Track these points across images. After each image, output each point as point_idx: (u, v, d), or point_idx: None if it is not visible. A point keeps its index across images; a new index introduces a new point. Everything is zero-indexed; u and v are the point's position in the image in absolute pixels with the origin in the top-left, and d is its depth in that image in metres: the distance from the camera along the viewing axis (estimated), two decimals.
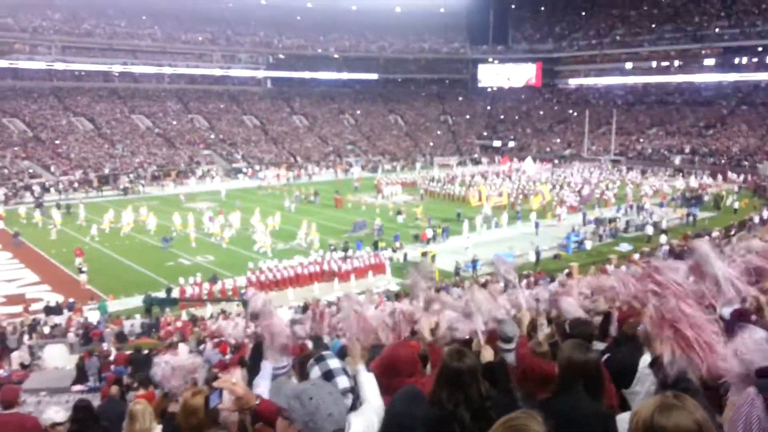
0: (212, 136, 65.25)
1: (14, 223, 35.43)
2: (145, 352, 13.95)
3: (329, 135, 71.99)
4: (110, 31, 68.03)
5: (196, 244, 30.78)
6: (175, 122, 65.87)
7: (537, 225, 33.00)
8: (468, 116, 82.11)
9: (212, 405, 2.48)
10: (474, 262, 26.02)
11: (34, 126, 56.85)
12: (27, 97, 60.55)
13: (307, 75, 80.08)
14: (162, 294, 22.20)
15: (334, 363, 2.97)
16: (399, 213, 36.20)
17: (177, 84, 71.80)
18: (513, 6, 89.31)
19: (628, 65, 75.99)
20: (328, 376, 2.88)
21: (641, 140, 64.45)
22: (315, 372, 2.94)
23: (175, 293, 22.93)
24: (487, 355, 3.56)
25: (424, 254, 27.19)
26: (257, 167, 59.85)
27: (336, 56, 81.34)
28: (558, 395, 2.88)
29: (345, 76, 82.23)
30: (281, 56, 79.27)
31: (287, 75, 79.20)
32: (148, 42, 69.75)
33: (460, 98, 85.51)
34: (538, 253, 27.27)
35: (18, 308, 21.12)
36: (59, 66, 64.78)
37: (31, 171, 50.15)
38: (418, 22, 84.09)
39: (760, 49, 63.46)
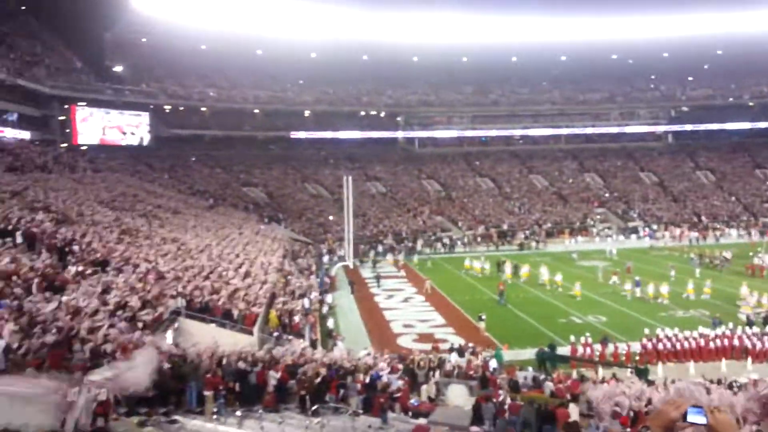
0: (606, 194, 64.39)
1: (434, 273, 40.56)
2: (536, 405, 14.12)
3: (741, 192, 63.80)
4: (514, 99, 73.56)
5: (584, 302, 30.52)
6: (570, 181, 67.18)
7: None
8: None
9: (689, 419, 2.45)
10: None
11: (447, 186, 64.74)
12: (442, 162, 69.45)
13: (714, 127, 72.82)
14: (546, 349, 22.33)
15: None
16: None
17: (573, 144, 73.39)
18: None
19: None
20: None
21: None
22: None
23: (566, 351, 22.85)
24: None
25: None
26: (654, 226, 56.58)
27: (751, 104, 72.23)
28: None
29: (763, 125, 72.14)
30: (684, 109, 74.18)
31: (691, 128, 73.37)
32: (547, 106, 73.20)
33: None
34: None
35: (427, 346, 23.77)
36: (468, 133, 72.89)
37: (442, 225, 57.00)
38: None
39: None
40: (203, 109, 65.00)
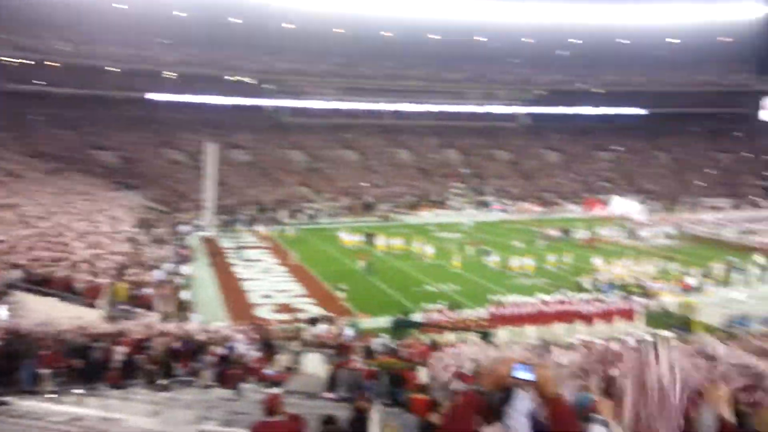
0: (465, 171, 67.43)
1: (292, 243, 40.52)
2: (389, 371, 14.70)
3: (583, 171, 69.55)
4: (382, 74, 74.34)
5: (440, 271, 32.08)
6: (432, 156, 69.50)
7: None
8: (748, 154, 72.77)
9: (517, 375, 2.65)
10: (745, 318, 22.74)
11: (313, 157, 64.59)
12: (310, 132, 69.03)
13: (565, 111, 78.54)
14: (401, 317, 23.27)
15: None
16: (668, 259, 33.15)
17: (437, 120, 75.79)
18: None
19: None
20: None
21: None
22: None
23: (420, 318, 23.91)
24: None
25: (682, 304, 24.64)
26: (506, 201, 60.25)
27: (599, 91, 78.50)
28: None
29: (607, 111, 78.93)
30: (540, 92, 79.06)
31: (544, 111, 78.58)
32: (413, 82, 74.83)
33: (739, 134, 76.16)
34: None
35: (286, 316, 23.88)
36: (337, 105, 72.92)
37: (307, 196, 56.94)
38: (696, 53, 76.78)
39: None
40: (54, 64, 59.51)
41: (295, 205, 54.04)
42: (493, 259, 33.82)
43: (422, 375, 14.26)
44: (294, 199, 55.57)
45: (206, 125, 63.67)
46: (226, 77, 68.05)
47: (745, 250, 36.16)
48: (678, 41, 78.31)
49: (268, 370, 16.08)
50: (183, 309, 22.99)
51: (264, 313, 24.51)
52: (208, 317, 22.01)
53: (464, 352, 17.22)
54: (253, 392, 13.76)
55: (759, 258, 32.69)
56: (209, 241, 39.92)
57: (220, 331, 18.24)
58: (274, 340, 19.04)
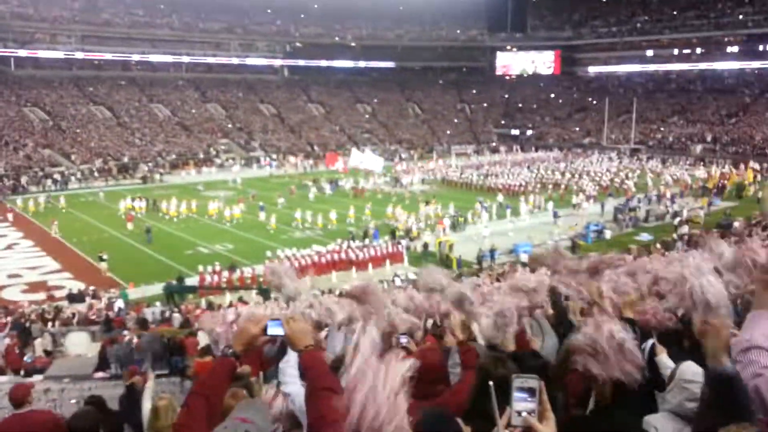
0: (229, 125, 65.54)
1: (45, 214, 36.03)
2: (165, 339, 14.04)
3: (345, 124, 71.97)
4: (129, 21, 68.26)
5: (211, 231, 31.22)
6: (193, 111, 66.19)
7: (555, 214, 32.84)
8: (486, 105, 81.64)
9: (269, 332, 2.60)
10: (492, 251, 25.93)
11: (54, 115, 57.45)
12: (47, 86, 61.13)
13: (323, 63, 79.77)
14: (174, 282, 22.32)
15: None
16: (427, 203, 35.87)
17: (194, 73, 72.08)
18: None
19: (649, 53, 75.08)
20: None
21: (662, 129, 63.70)
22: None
23: (195, 281, 23.14)
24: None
25: (441, 243, 27.17)
26: (274, 156, 60.04)
27: (353, 44, 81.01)
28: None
29: (362, 64, 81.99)
30: (298, 45, 79.12)
31: (304, 63, 78.97)
32: (166, 31, 70.00)
33: (478, 86, 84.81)
34: (574, 242, 27.13)
35: (41, 296, 21.45)
36: (79, 55, 65.33)
37: (51, 160, 50.73)
38: (436, 9, 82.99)
39: None
40: None
41: (39, 171, 47.89)
42: (264, 214, 33.68)
43: (203, 339, 13.91)
44: (36, 164, 49.13)
45: None
46: None
47: (489, 191, 40.85)
48: None
49: (26, 357, 14.51)
50: None
51: (12, 294, 21.85)
52: None
53: (242, 312, 17.07)
54: (9, 384, 12.24)
55: (500, 197, 37.22)
56: None
57: None
58: (28, 323, 17.12)
